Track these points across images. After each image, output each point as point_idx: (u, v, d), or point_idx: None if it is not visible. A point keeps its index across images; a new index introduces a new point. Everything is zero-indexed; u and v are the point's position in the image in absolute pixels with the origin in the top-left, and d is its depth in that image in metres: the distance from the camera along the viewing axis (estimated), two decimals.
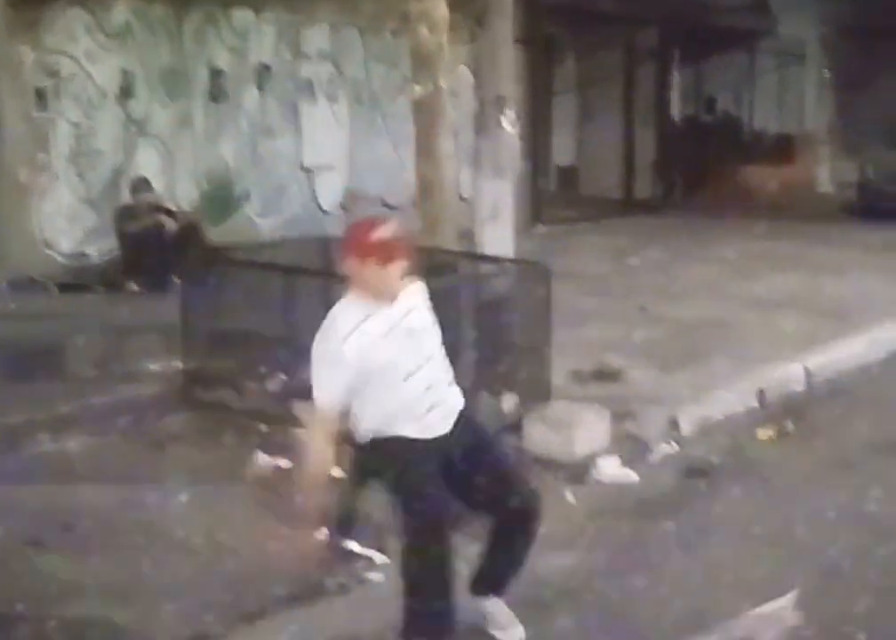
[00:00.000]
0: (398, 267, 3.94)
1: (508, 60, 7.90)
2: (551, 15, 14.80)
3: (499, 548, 4.19)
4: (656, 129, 17.67)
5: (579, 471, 6.02)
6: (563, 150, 17.54)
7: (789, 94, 20.96)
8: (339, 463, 4.12)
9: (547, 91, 16.05)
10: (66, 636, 4.30)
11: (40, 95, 10.12)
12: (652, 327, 8.86)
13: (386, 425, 4.02)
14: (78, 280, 9.92)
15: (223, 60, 11.63)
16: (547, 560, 4.51)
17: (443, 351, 4.19)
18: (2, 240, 9.83)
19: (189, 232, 10.03)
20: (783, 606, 4.29)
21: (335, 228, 11.33)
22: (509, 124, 7.71)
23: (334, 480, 4.09)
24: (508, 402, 6.54)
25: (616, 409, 6.56)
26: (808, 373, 7.88)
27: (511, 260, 7.41)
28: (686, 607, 4.56)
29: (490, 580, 4.26)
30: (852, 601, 4.59)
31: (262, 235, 11.57)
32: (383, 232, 3.94)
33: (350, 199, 12.88)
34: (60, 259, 10.29)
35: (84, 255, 10.44)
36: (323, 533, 3.85)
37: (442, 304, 6.33)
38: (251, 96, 11.94)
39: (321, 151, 12.64)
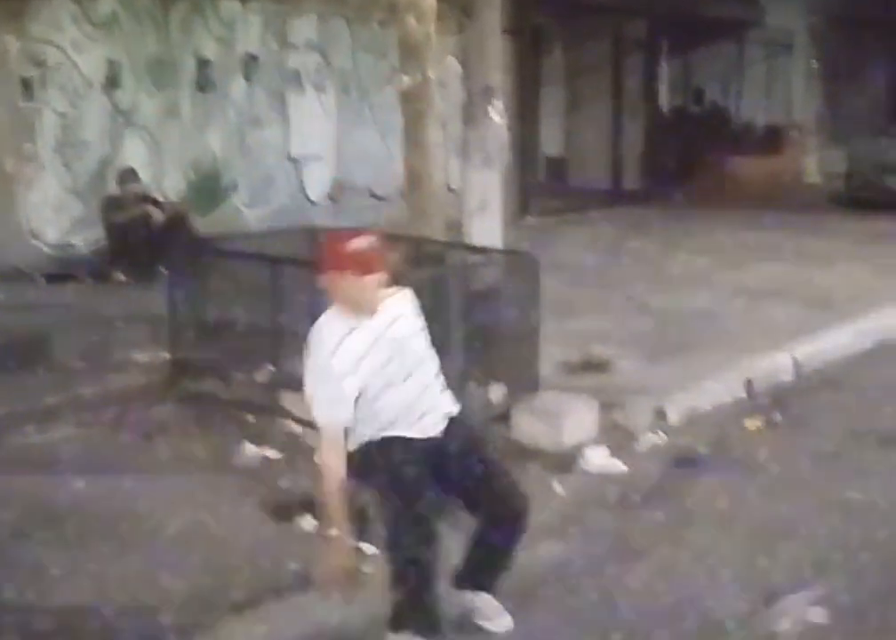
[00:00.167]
0: (376, 278, 3.93)
1: (496, 51, 7.88)
2: (539, 6, 14.78)
3: (485, 547, 4.19)
4: (644, 120, 17.66)
5: (566, 461, 6.03)
6: (551, 141, 17.52)
7: (777, 85, 20.97)
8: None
9: (535, 81, 16.03)
10: (52, 626, 4.28)
11: (26, 85, 10.08)
12: (641, 317, 8.87)
13: (378, 430, 4.03)
14: (65, 270, 9.88)
15: (210, 50, 11.59)
16: (534, 550, 4.51)
17: (433, 357, 4.18)
18: None
19: (176, 222, 10.00)
20: (802, 602, 4.28)
21: (323, 218, 11.39)
22: (497, 114, 7.69)
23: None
24: (497, 392, 6.54)
25: (604, 399, 6.56)
26: (796, 363, 7.90)
27: (499, 251, 7.41)
28: (674, 596, 4.57)
29: (475, 577, 4.27)
30: (838, 590, 4.61)
31: (249, 225, 11.56)
32: (358, 244, 3.93)
33: (338, 190, 12.87)
34: (46, 249, 10.25)
35: (70, 245, 10.40)
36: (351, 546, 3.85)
37: (430, 295, 6.36)
38: (238, 86, 11.90)
39: (308, 141, 12.61)
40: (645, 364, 7.57)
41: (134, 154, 10.84)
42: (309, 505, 5.27)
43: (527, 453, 6.04)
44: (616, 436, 6.41)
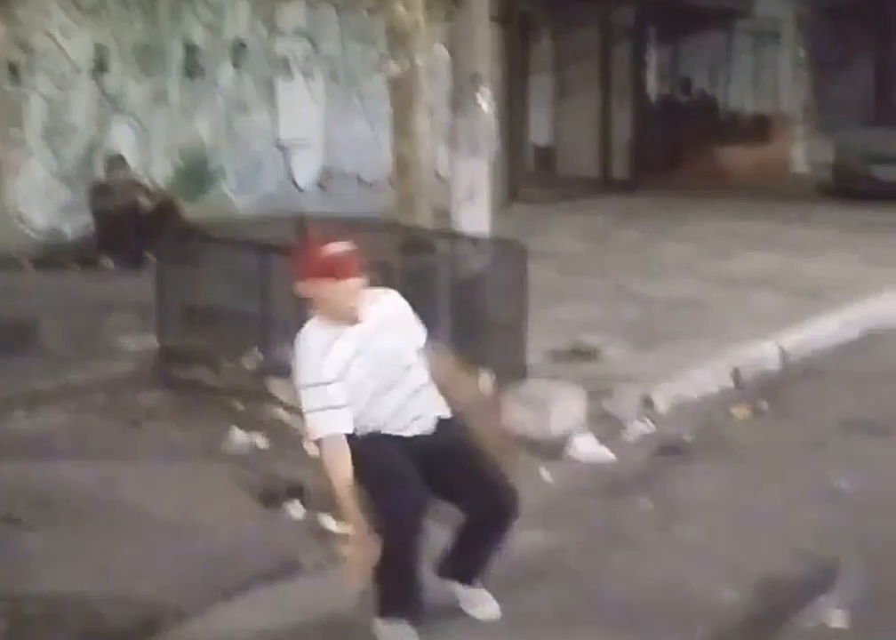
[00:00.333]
0: (354, 282, 3.90)
1: (484, 39, 7.87)
2: None
3: (472, 539, 4.20)
4: (632, 108, 17.64)
5: (554, 449, 6.04)
6: (539, 129, 17.50)
7: (765, 74, 20.97)
8: None
9: (523, 70, 16.01)
10: (42, 612, 4.29)
11: (13, 69, 10.04)
12: (628, 306, 8.89)
13: (366, 432, 4.02)
14: (53, 256, 9.86)
15: (198, 36, 11.55)
16: (522, 537, 4.52)
17: (423, 358, 4.16)
18: None
19: (164, 209, 9.99)
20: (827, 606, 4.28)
21: (311, 205, 11.37)
22: (485, 102, 7.69)
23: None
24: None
25: (592, 387, 6.58)
26: (783, 352, 7.92)
27: (487, 239, 7.41)
28: (660, 583, 4.59)
29: (460, 569, 4.28)
30: (823, 577, 4.64)
31: (238, 211, 11.54)
32: (332, 248, 3.91)
33: (326, 177, 12.85)
34: (34, 235, 10.22)
35: (58, 231, 10.37)
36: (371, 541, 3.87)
37: (418, 282, 6.37)
38: (226, 72, 11.87)
39: (297, 128, 12.58)
40: (633, 353, 7.59)
41: (122, 139, 10.81)
42: (298, 491, 5.29)
43: (515, 441, 6.03)
44: (604, 424, 6.42)
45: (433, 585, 4.22)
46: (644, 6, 17.04)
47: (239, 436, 6.05)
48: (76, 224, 10.36)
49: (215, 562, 4.67)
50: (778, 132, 19.56)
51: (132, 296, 7.87)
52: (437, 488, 4.07)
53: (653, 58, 18.84)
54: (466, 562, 4.27)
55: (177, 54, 11.37)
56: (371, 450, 3.95)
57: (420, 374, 4.12)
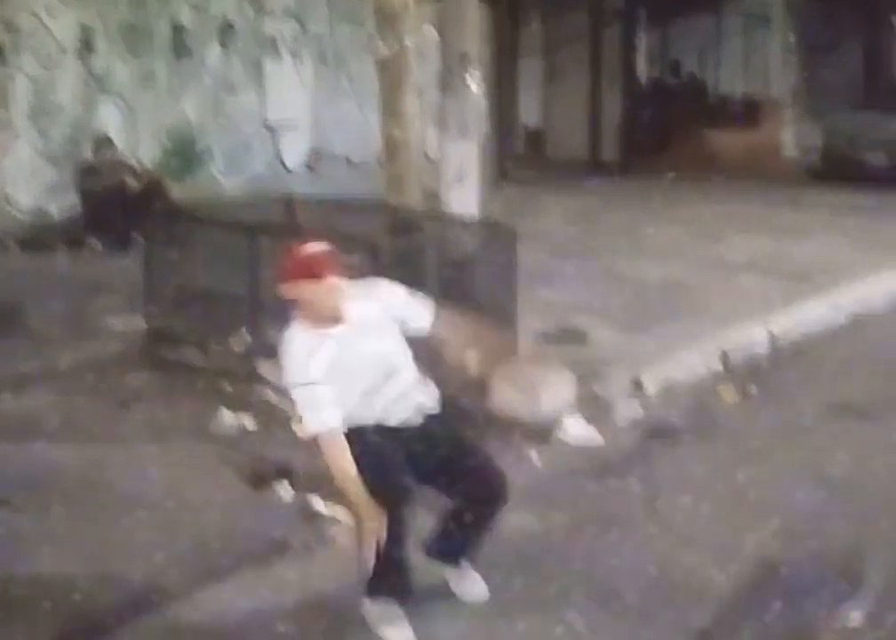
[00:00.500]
0: (334, 281, 3.90)
1: (473, 20, 7.83)
2: None
3: (459, 524, 4.21)
4: (622, 91, 17.62)
5: (543, 431, 6.04)
6: (529, 111, 17.48)
7: (755, 57, 20.92)
8: None
9: (513, 51, 15.97)
10: (30, 593, 4.27)
11: None
12: (618, 288, 8.87)
13: (357, 424, 4.01)
14: (39, 237, 9.81)
15: (185, 16, 11.48)
16: (511, 520, 4.52)
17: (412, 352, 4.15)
18: None
19: (152, 189, 9.95)
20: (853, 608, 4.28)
21: (299, 186, 11.32)
22: (475, 83, 7.66)
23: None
24: (473, 362, 6.52)
25: (581, 370, 6.56)
26: (771, 336, 7.92)
27: (477, 221, 7.39)
28: (649, 565, 4.59)
29: (447, 550, 4.29)
30: (810, 560, 4.65)
31: (225, 192, 11.49)
32: (309, 249, 3.95)
33: (314, 158, 12.80)
34: (20, 216, 10.18)
35: (44, 212, 10.33)
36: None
37: (407, 264, 6.35)
38: (213, 53, 11.81)
39: (285, 109, 12.53)
40: (622, 335, 7.58)
41: (109, 120, 10.76)
42: (286, 472, 5.28)
43: (505, 424, 6.04)
44: (593, 407, 6.41)
45: (423, 566, 4.22)
46: None
47: (227, 418, 6.04)
48: (63, 205, 10.32)
49: (204, 543, 4.66)
50: (767, 115, 19.52)
51: (120, 277, 7.85)
52: (426, 477, 4.08)
53: (643, 41, 18.80)
54: (453, 544, 4.28)
55: (164, 34, 11.31)
56: (358, 441, 3.94)
57: (407, 375, 4.13)
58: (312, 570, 4.52)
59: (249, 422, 6.03)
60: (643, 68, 19.01)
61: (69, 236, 9.89)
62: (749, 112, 19.38)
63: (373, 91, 7.83)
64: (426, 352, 4.35)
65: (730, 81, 20.51)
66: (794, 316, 8.31)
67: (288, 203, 7.53)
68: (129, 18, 10.91)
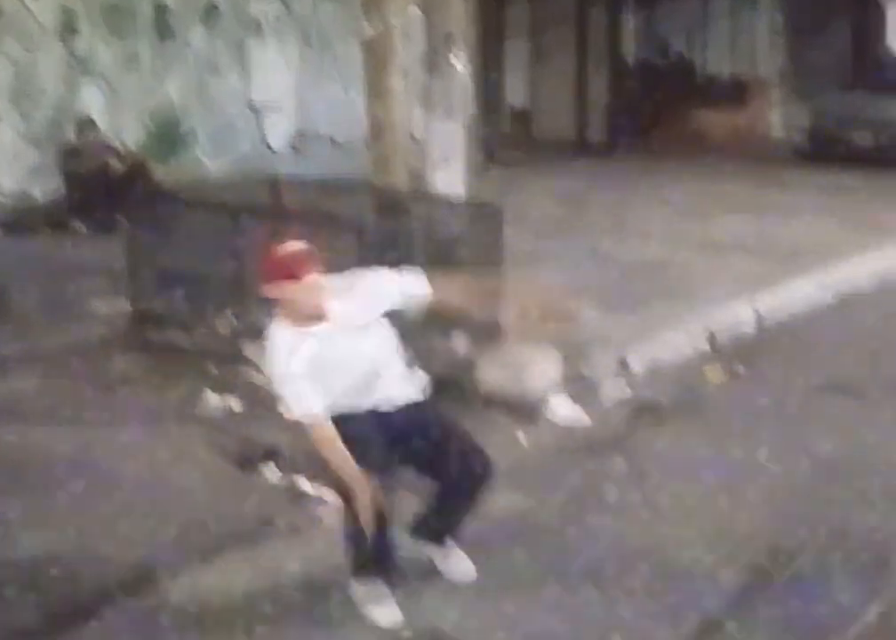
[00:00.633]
0: (314, 280, 3.87)
1: (458, 0, 7.79)
2: None
3: (443, 505, 4.21)
4: (609, 71, 17.57)
5: (530, 411, 6.03)
6: (516, 92, 17.42)
7: (742, 38, 20.89)
8: None
9: (499, 32, 15.91)
10: (13, 575, 4.26)
11: None
12: (604, 268, 8.86)
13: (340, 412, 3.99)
14: (22, 220, 9.77)
15: None
16: (498, 499, 4.51)
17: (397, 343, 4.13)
18: None
19: (136, 172, 9.90)
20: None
21: (285, 167, 11.27)
22: (460, 63, 7.62)
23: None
24: (460, 342, 6.52)
25: (567, 350, 6.55)
26: (758, 316, 7.92)
27: (463, 201, 7.36)
28: (636, 545, 4.59)
29: (432, 530, 4.30)
30: (798, 540, 4.65)
31: (210, 174, 11.44)
32: (287, 248, 3.92)
33: (299, 139, 12.74)
34: (2, 199, 10.12)
35: (28, 195, 10.27)
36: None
37: (393, 244, 6.32)
38: (197, 34, 11.73)
39: (269, 90, 12.47)
40: (609, 315, 7.55)
41: (91, 102, 10.69)
42: (273, 454, 5.27)
43: (491, 404, 6.03)
44: (579, 387, 6.41)
45: (409, 546, 4.22)
46: None
47: (213, 400, 6.02)
48: (46, 187, 10.26)
49: (190, 524, 4.65)
50: (755, 96, 19.51)
51: (104, 259, 7.81)
52: (410, 461, 4.09)
53: (630, 21, 18.73)
54: (438, 523, 4.28)
55: (147, 15, 11.23)
56: (343, 425, 3.92)
57: (395, 365, 4.11)
58: (299, 551, 4.51)
59: (235, 404, 6.01)
60: (630, 49, 18.95)
61: (53, 218, 9.84)
62: (737, 92, 19.35)
63: (358, 71, 7.79)
64: (412, 335, 4.33)
65: (717, 61, 20.46)
66: (781, 296, 8.31)
67: (273, 184, 7.49)
68: None
